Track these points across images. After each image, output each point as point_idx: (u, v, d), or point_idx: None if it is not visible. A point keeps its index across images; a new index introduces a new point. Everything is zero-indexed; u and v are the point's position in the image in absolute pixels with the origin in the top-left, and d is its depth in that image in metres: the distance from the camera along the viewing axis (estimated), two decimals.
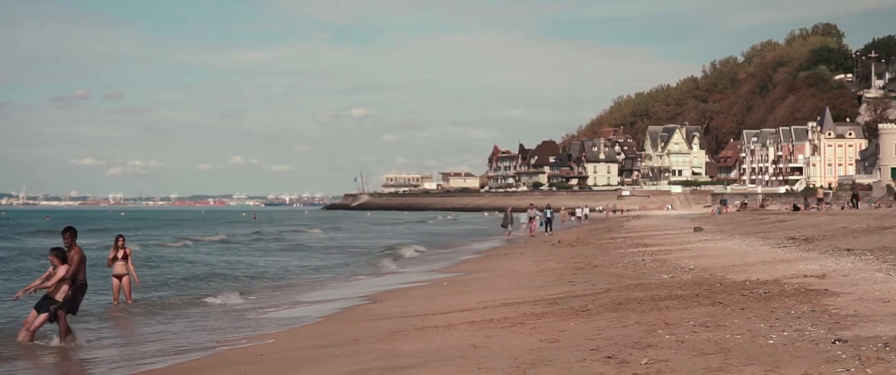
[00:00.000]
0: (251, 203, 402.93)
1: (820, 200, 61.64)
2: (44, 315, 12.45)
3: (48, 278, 12.65)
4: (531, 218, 47.67)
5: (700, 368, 6.53)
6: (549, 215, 48.26)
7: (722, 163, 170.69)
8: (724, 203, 75.02)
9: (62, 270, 12.53)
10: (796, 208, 56.61)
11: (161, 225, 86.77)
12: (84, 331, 13.20)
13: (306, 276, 24.90)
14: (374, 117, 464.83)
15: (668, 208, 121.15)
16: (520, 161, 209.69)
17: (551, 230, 46.82)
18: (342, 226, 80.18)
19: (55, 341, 12.38)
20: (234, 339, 12.23)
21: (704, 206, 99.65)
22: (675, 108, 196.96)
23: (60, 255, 12.58)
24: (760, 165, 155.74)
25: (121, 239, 18.21)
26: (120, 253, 17.78)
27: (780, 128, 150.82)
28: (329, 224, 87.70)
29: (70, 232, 12.87)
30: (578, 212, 77.18)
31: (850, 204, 54.63)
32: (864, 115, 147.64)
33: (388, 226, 79.69)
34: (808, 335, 7.53)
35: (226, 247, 43.42)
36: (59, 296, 12.51)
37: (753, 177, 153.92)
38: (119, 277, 17.70)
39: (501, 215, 55.61)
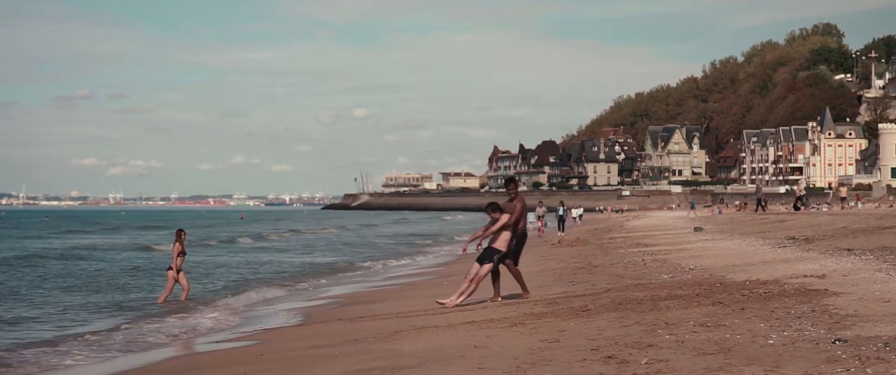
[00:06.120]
0: (251, 203, 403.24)
1: (844, 199, 61.96)
2: (487, 266, 12.48)
3: (488, 229, 12.64)
4: (539, 217, 46.04)
5: (700, 368, 6.52)
6: (561, 213, 45.80)
7: (722, 163, 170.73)
8: (693, 206, 74.03)
9: (504, 217, 12.42)
10: (797, 208, 56.60)
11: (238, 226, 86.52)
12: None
13: None
14: (376, 117, 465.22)
15: (673, 207, 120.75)
16: (520, 161, 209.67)
17: (563, 229, 44.77)
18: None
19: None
20: (234, 338, 12.24)
21: (704, 206, 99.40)
22: (675, 108, 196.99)
23: (496, 208, 12.56)
24: (760, 165, 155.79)
25: (183, 234, 18.22)
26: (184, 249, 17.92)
27: (780, 128, 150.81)
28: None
29: (513, 183, 13.06)
30: (574, 213, 75.86)
31: (759, 207, 54.62)
32: (864, 115, 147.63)
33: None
34: (808, 335, 7.53)
35: None
36: (502, 246, 12.48)
37: (753, 177, 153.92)
38: (178, 271, 17.80)
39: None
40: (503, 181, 13.47)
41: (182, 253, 17.87)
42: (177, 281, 17.89)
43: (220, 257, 34.88)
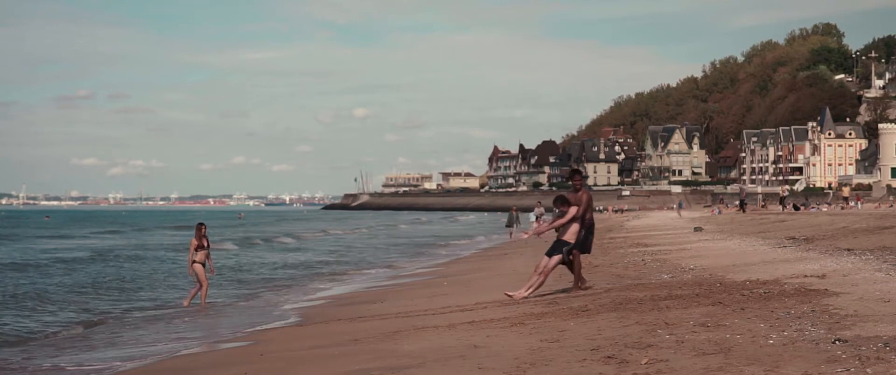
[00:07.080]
0: (251, 203, 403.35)
1: (846, 199, 62.20)
2: (556, 258, 12.60)
3: (556, 221, 12.82)
4: (538, 217, 46.38)
5: (700, 368, 6.53)
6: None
7: (722, 163, 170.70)
8: (681, 205, 74.07)
9: (573, 210, 12.59)
10: (796, 208, 56.73)
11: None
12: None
13: None
14: (377, 117, 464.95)
15: (673, 207, 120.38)
16: (520, 161, 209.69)
17: None
18: None
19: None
20: (242, 336, 12.23)
21: (704, 206, 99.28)
22: (675, 108, 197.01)
23: (564, 201, 12.72)
24: (760, 165, 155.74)
25: (203, 227, 18.13)
26: (204, 242, 17.81)
27: (780, 128, 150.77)
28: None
29: (579, 175, 13.23)
30: None
31: (743, 208, 54.82)
32: (864, 115, 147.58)
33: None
34: (808, 335, 7.53)
35: None
36: (570, 238, 12.62)
37: (753, 177, 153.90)
38: (203, 265, 17.79)
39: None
40: (568, 172, 13.82)
41: (201, 247, 17.69)
42: (199, 274, 17.74)
43: (238, 259, 34.89)
